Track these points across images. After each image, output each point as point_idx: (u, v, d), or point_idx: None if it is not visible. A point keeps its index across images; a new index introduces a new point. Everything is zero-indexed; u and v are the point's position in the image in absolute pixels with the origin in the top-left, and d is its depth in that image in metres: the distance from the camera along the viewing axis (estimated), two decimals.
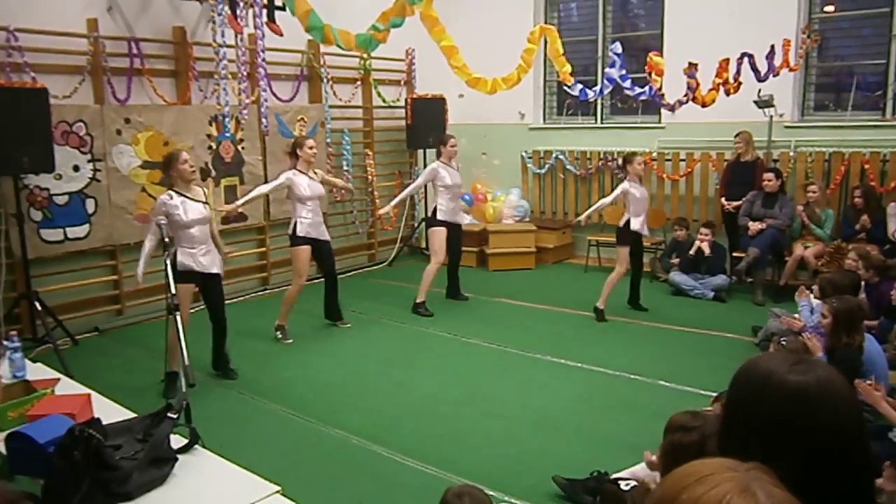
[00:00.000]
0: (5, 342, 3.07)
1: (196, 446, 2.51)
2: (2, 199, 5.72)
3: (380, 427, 4.35)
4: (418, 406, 4.70)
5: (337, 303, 6.46)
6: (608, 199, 6.68)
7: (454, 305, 7.14)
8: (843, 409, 1.03)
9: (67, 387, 3.12)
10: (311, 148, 5.93)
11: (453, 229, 7.09)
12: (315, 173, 6.06)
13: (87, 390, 3.04)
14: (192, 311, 6.63)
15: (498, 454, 4.00)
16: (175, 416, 2.48)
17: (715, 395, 3.30)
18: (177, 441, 2.49)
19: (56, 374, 3.27)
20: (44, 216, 5.97)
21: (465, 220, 7.38)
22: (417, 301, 6.85)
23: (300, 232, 5.94)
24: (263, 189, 6.06)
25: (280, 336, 6.05)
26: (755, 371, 1.12)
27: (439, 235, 6.96)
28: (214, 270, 4.96)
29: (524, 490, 3.61)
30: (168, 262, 3.68)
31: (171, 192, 4.78)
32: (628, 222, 6.53)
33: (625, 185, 6.47)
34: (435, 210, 6.95)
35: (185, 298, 4.75)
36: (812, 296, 4.87)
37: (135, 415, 2.73)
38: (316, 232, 6.02)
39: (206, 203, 4.92)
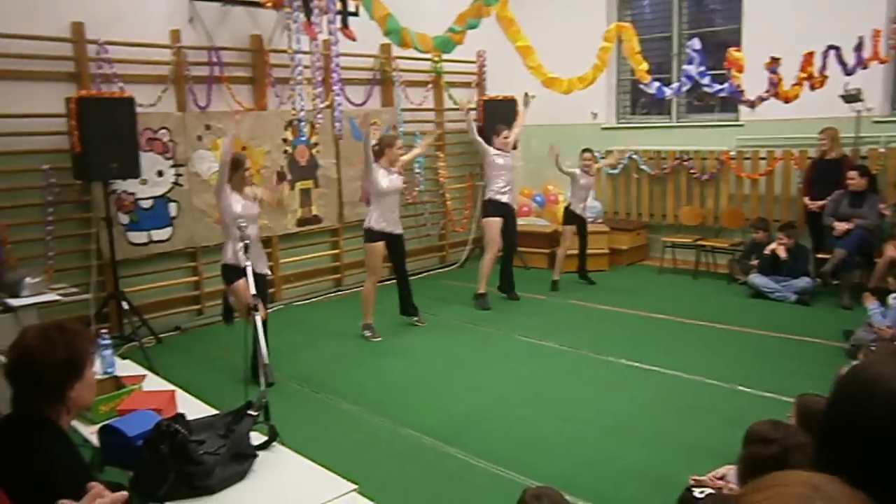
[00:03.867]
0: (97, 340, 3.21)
1: (275, 443, 2.57)
2: (93, 204, 6.00)
3: (452, 428, 4.35)
4: (490, 408, 4.69)
5: (410, 298, 6.49)
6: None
7: (525, 306, 7.09)
8: None
9: (153, 383, 3.25)
10: (399, 147, 6.07)
11: (505, 213, 7.11)
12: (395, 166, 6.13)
13: (172, 387, 3.16)
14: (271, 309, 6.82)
15: (571, 458, 3.95)
16: (255, 414, 2.55)
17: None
18: (257, 438, 2.55)
19: (143, 371, 3.41)
20: (130, 219, 6.24)
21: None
22: (478, 292, 7.08)
23: (374, 225, 6.01)
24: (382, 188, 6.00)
25: (369, 335, 6.14)
26: (861, 376, 1.06)
27: (492, 226, 7.06)
28: (259, 270, 5.02)
29: (597, 494, 3.54)
30: (248, 263, 3.78)
31: (228, 186, 4.96)
32: (569, 205, 7.63)
33: (575, 170, 7.54)
34: (488, 199, 7.10)
35: (243, 293, 4.69)
36: (892, 298, 4.69)
37: (216, 411, 2.82)
38: (390, 226, 6.08)
39: (255, 201, 5.10)
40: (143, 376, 3.25)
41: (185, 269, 6.80)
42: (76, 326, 2.08)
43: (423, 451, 4.10)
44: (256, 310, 3.33)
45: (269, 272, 5.29)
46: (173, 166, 6.47)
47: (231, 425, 2.50)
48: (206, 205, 6.69)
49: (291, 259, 7.47)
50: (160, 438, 2.21)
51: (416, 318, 6.51)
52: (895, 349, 3.68)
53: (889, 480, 0.96)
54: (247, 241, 4.33)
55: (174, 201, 6.51)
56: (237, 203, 4.95)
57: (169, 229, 6.50)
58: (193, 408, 2.88)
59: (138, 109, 5.85)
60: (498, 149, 7.09)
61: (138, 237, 6.31)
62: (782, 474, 0.85)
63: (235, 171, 4.99)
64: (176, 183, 6.51)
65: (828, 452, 1.05)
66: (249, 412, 2.53)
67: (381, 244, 6.05)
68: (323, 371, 5.41)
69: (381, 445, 4.18)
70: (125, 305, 5.89)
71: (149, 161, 6.20)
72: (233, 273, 4.93)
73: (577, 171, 7.62)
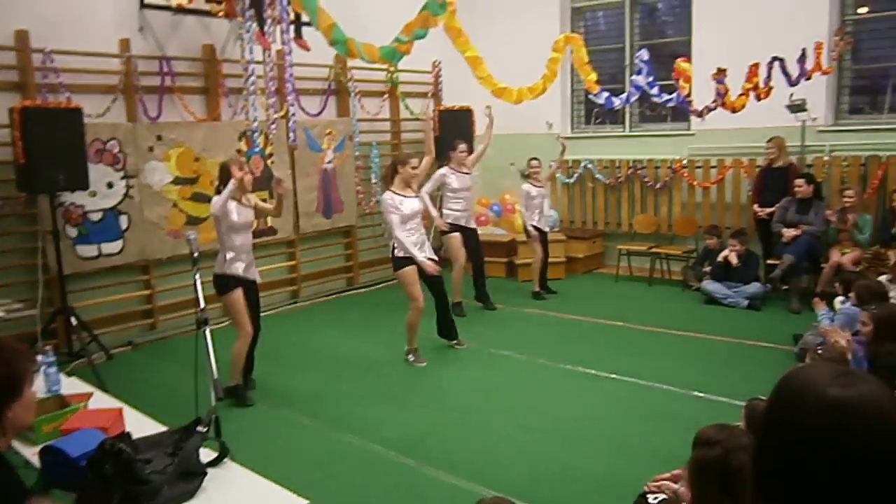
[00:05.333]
0: (41, 357, 3.11)
1: (226, 460, 2.52)
2: (39, 217, 5.84)
3: (410, 439, 4.33)
4: (449, 418, 4.68)
5: (449, 319, 6.08)
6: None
7: (483, 316, 7.10)
8: (884, 425, 0.98)
9: (100, 401, 3.16)
10: (413, 167, 5.62)
11: (467, 233, 7.12)
12: (411, 188, 5.71)
13: (120, 404, 3.08)
14: (221, 325, 6.70)
15: (529, 467, 3.96)
16: (204, 430, 2.50)
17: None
18: (207, 455, 2.50)
19: (90, 389, 3.31)
20: (79, 232, 6.08)
21: (473, 225, 7.35)
22: (454, 301, 6.81)
23: (400, 253, 5.59)
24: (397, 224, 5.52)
25: (412, 359, 5.74)
26: (796, 381, 1.08)
27: (453, 241, 7.04)
28: (253, 278, 5.04)
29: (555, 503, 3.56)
30: (197, 277, 3.71)
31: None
32: (526, 220, 7.61)
33: (524, 186, 7.57)
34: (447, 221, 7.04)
35: (241, 305, 4.89)
36: (838, 302, 4.85)
37: (166, 428, 2.76)
38: (419, 252, 5.60)
39: (252, 207, 5.02)
40: (90, 394, 3.16)
41: (138, 283, 6.65)
42: (13, 344, 2.01)
43: (381, 462, 4.07)
44: (206, 323, 3.27)
45: (260, 278, 5.19)
46: (124, 178, 6.34)
47: (179, 442, 2.44)
48: (158, 217, 6.57)
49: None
50: (104, 458, 2.14)
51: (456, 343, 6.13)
52: (841, 351, 3.78)
53: (820, 476, 0.98)
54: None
55: (125, 214, 6.37)
56: (233, 212, 4.82)
57: (120, 242, 6.36)
58: (142, 425, 2.81)
59: (86, 120, 5.72)
60: (453, 167, 7.05)
61: (88, 250, 6.16)
62: None
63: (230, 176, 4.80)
64: (127, 195, 6.37)
65: (767, 451, 1.06)
66: (198, 428, 2.48)
67: (413, 268, 5.61)
68: (279, 385, 5.33)
69: (337, 459, 4.13)
70: (74, 321, 5.73)
71: (98, 173, 6.06)
72: (225, 284, 4.88)
73: (526, 185, 7.66)
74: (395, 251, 5.62)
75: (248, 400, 4.95)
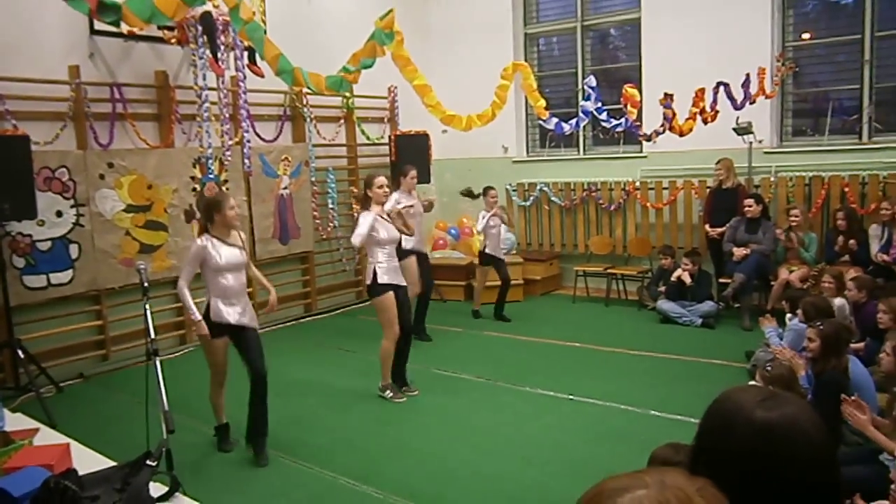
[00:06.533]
0: None
1: (177, 494, 2.46)
2: None
3: (369, 466, 4.29)
4: (407, 443, 4.65)
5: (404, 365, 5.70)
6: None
7: (441, 340, 7.09)
8: (807, 446, 1.02)
9: (47, 437, 3.06)
10: (380, 187, 5.39)
11: (420, 258, 6.88)
12: (388, 215, 5.56)
13: (67, 440, 2.99)
14: (172, 356, 6.58)
15: (489, 491, 3.95)
16: (154, 464, 2.44)
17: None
18: (157, 489, 2.44)
19: (35, 424, 3.21)
20: (26, 263, 5.93)
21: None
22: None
23: (381, 279, 5.35)
24: (357, 242, 5.33)
25: (390, 395, 5.48)
26: (725, 405, 1.11)
27: (410, 265, 6.60)
28: (246, 323, 4.51)
29: None
30: (147, 307, 3.64)
31: (207, 235, 4.43)
32: (485, 247, 7.72)
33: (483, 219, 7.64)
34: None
35: (221, 354, 4.54)
36: (788, 318, 5.02)
37: (114, 463, 2.69)
38: (395, 277, 5.45)
39: (242, 248, 4.55)
40: (36, 430, 3.06)
41: (89, 313, 6.50)
42: None
43: (338, 491, 4.02)
44: (157, 354, 3.22)
45: (256, 325, 4.66)
46: (74, 206, 6.21)
47: (128, 477, 2.38)
48: (110, 245, 6.45)
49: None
50: (48, 497, 2.08)
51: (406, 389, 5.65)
52: (788, 369, 3.87)
53: (751, 495, 1.00)
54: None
55: (75, 242, 6.23)
56: (217, 254, 4.37)
57: (70, 272, 6.22)
58: (90, 461, 2.73)
59: (34, 147, 5.61)
60: (403, 192, 6.81)
61: (36, 281, 6.00)
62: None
63: (217, 213, 4.40)
64: (77, 223, 6.24)
65: (699, 472, 1.09)
66: (148, 462, 2.42)
67: (391, 294, 5.37)
68: (234, 415, 5.20)
69: (294, 488, 4.07)
70: (21, 354, 5.56)
71: (46, 201, 5.93)
72: (213, 330, 4.43)
73: (483, 215, 7.63)
74: (377, 276, 5.35)
75: (228, 446, 4.69)
